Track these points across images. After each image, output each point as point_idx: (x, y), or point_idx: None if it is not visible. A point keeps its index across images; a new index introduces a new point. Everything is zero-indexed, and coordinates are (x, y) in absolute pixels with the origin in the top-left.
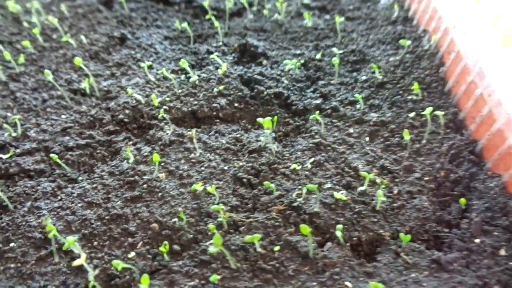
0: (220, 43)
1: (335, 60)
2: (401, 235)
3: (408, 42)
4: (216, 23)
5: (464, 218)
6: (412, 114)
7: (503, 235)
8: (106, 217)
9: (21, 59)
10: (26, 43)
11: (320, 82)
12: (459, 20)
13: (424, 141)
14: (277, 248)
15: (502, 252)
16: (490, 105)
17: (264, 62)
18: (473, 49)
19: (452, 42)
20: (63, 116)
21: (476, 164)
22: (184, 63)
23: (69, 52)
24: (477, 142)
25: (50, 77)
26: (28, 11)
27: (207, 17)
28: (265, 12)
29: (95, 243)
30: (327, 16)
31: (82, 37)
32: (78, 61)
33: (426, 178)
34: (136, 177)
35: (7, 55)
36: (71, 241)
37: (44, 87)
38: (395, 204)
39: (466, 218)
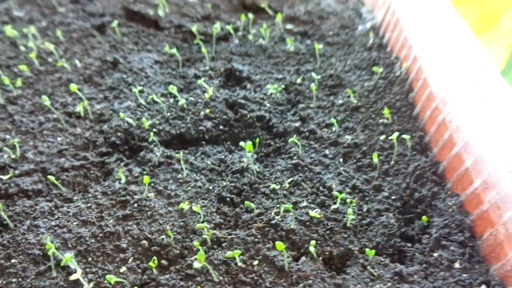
0: (207, 68)
1: (313, 86)
2: (367, 250)
3: (381, 69)
4: (203, 49)
5: (425, 233)
6: (382, 137)
7: (458, 250)
8: (100, 235)
9: (18, 82)
10: (23, 67)
11: (300, 106)
12: (426, 50)
13: (392, 162)
14: (256, 262)
15: (457, 265)
16: (451, 130)
17: (248, 86)
18: (437, 78)
19: (420, 70)
20: (59, 139)
21: (438, 184)
22: (172, 89)
23: (64, 76)
24: (440, 164)
25: (47, 102)
26: (25, 35)
27: (195, 41)
28: (250, 37)
29: (90, 258)
30: (308, 41)
31: (77, 61)
32: (73, 87)
33: (393, 197)
34: (128, 197)
35: (5, 80)
36: (68, 258)
37: (41, 110)
38: (364, 221)
39: (427, 234)
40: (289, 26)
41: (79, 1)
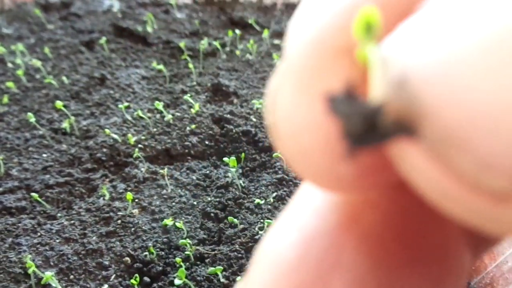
0: (194, 83)
1: None
2: None
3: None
4: (191, 64)
5: None
6: None
7: None
8: (82, 252)
9: (5, 99)
10: (10, 84)
11: None
12: None
13: None
14: (239, 278)
15: None
16: None
17: (235, 101)
18: None
19: None
20: (44, 155)
21: None
22: (158, 105)
23: (51, 92)
24: None
25: (32, 119)
26: (13, 52)
27: (183, 57)
28: (237, 52)
29: (71, 276)
30: None
31: (64, 78)
32: (59, 104)
33: None
34: (111, 213)
35: None
36: (48, 276)
37: (27, 126)
38: None
39: None
40: (276, 41)
41: (68, 18)
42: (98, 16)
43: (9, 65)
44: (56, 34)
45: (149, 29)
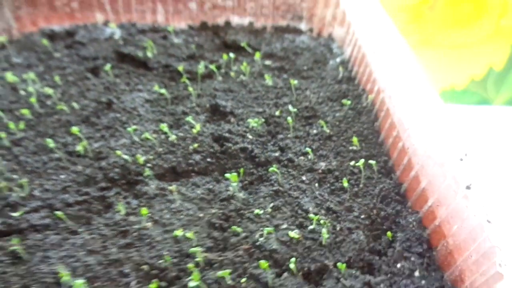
0: (194, 104)
1: (290, 119)
2: (339, 264)
3: (349, 101)
4: (190, 87)
5: (390, 247)
6: (352, 163)
7: (417, 260)
8: (105, 262)
9: (21, 125)
10: (24, 110)
11: (279, 136)
12: (387, 84)
13: (361, 185)
14: (243, 280)
15: (417, 273)
16: (409, 155)
17: (232, 120)
18: (396, 108)
19: (383, 101)
20: (62, 176)
21: (401, 203)
22: (163, 127)
23: (63, 117)
24: (402, 185)
25: (51, 144)
26: (24, 80)
27: (182, 80)
28: (232, 74)
29: (97, 284)
30: (285, 76)
31: (74, 103)
32: (75, 130)
33: (362, 216)
34: (127, 227)
35: (10, 124)
36: (79, 284)
37: (44, 150)
38: (337, 239)
39: (392, 247)
40: (267, 62)
41: (73, 46)
42: (101, 43)
43: (22, 92)
44: (63, 61)
45: (149, 54)
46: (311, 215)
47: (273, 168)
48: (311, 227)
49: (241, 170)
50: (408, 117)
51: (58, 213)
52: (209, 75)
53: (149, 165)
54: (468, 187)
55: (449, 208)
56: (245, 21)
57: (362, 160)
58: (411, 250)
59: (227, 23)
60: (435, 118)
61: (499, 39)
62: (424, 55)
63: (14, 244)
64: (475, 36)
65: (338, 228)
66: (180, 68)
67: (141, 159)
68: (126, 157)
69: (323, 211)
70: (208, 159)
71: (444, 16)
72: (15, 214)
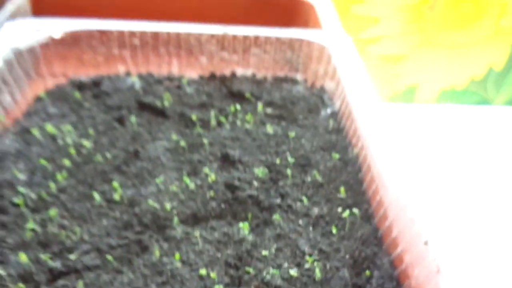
0: (207, 153)
1: (289, 170)
2: None
3: (338, 154)
4: (203, 137)
5: (369, 283)
6: (340, 209)
7: None
8: None
9: (64, 174)
10: (65, 160)
11: (280, 183)
12: (368, 141)
13: (346, 230)
14: None
15: None
16: (385, 207)
17: (240, 167)
18: (376, 165)
19: (365, 156)
20: (104, 221)
21: (378, 246)
22: (186, 180)
23: (98, 167)
24: (379, 230)
25: (96, 196)
26: (61, 131)
27: (196, 129)
28: (238, 123)
29: None
30: (284, 123)
31: (106, 153)
32: (115, 185)
33: (347, 256)
34: (162, 267)
35: (55, 173)
36: None
37: (86, 197)
38: (328, 275)
39: (370, 283)
40: (268, 110)
41: (99, 96)
42: (124, 92)
43: (60, 142)
44: (92, 111)
45: (166, 103)
46: (307, 256)
47: (276, 215)
48: (307, 266)
49: (249, 215)
50: (384, 175)
51: (105, 255)
52: (218, 123)
53: (174, 211)
54: (425, 243)
55: (412, 255)
56: (248, 72)
57: (347, 211)
58: (384, 286)
59: (233, 74)
60: (406, 181)
61: (499, 39)
62: (424, 55)
63: (76, 283)
64: (475, 36)
65: (328, 267)
66: (194, 117)
67: (168, 206)
68: (155, 205)
69: (316, 252)
70: (222, 205)
71: (444, 16)
72: (72, 257)
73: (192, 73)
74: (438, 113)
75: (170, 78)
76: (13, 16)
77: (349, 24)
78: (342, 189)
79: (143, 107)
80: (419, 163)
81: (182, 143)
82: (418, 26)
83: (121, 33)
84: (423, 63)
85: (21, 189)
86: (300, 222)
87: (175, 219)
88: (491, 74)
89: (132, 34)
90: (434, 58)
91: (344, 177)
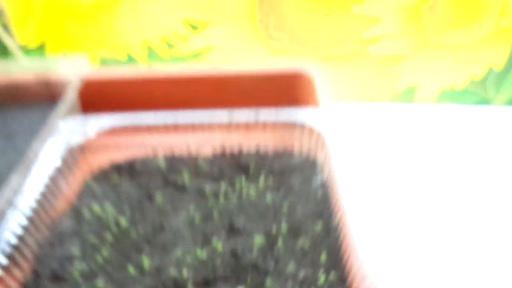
0: (218, 223)
1: (282, 238)
2: None
3: (323, 222)
4: (214, 209)
5: None
6: (321, 271)
7: None
8: None
9: (107, 246)
10: (108, 235)
11: (275, 249)
12: (346, 215)
13: None
14: None
15: None
16: (353, 272)
17: (244, 236)
18: (349, 237)
19: (343, 226)
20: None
21: None
22: (202, 254)
23: (133, 239)
24: None
25: (131, 267)
26: (104, 209)
27: (209, 202)
28: (244, 194)
29: None
30: (282, 192)
31: (139, 227)
32: (146, 261)
33: None
34: None
35: (104, 250)
36: None
37: (123, 267)
38: None
39: None
40: (269, 181)
41: (133, 177)
42: (152, 172)
43: (104, 220)
44: (128, 190)
45: (186, 179)
46: None
47: (270, 278)
48: None
49: (249, 278)
50: (355, 244)
51: None
52: (227, 196)
53: (190, 278)
54: None
55: None
56: (253, 147)
57: (325, 274)
58: None
59: (240, 151)
60: (371, 251)
61: (499, 39)
62: (424, 55)
63: None
64: (475, 36)
65: None
66: (207, 190)
67: (185, 274)
68: (175, 272)
69: None
70: (228, 271)
71: (444, 16)
72: None
73: (207, 150)
74: (438, 113)
75: (188, 157)
76: (66, 115)
77: (349, 24)
78: (323, 254)
79: (168, 184)
80: (419, 163)
81: (197, 216)
82: (418, 26)
83: (151, 127)
84: (423, 63)
85: (76, 262)
86: (289, 283)
87: (190, 285)
88: (491, 74)
89: (158, 124)
90: (434, 58)
91: (326, 243)
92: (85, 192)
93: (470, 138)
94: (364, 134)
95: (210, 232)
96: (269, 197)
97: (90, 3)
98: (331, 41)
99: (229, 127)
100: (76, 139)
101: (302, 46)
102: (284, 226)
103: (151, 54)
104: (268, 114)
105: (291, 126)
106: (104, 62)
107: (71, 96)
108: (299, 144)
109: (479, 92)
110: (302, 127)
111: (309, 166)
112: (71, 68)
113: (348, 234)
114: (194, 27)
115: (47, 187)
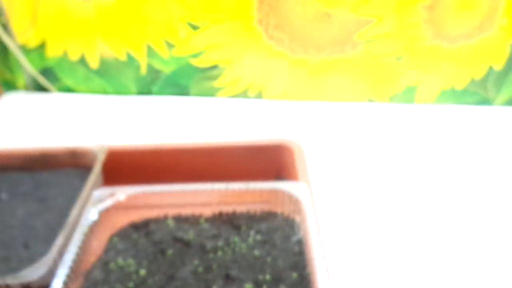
0: (215, 274)
1: (266, 285)
2: None
3: (297, 273)
4: (214, 263)
5: None
6: None
7: None
8: None
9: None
10: (130, 284)
11: None
12: (316, 264)
13: None
14: None
15: None
16: None
17: (237, 283)
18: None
19: (315, 278)
20: None
21: None
22: None
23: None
24: None
25: None
26: (127, 263)
27: (210, 256)
28: (237, 249)
29: None
30: (267, 248)
31: (155, 277)
32: None
33: None
34: None
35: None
36: None
37: None
38: None
39: None
40: (257, 238)
41: (148, 235)
42: (163, 231)
43: (126, 271)
44: (145, 246)
45: (191, 236)
46: None
47: None
48: None
49: None
50: None
51: None
52: (224, 251)
53: None
54: None
55: None
56: (244, 211)
57: None
58: None
59: (234, 212)
60: None
61: (499, 39)
62: (424, 55)
63: None
64: (475, 36)
65: None
66: (208, 246)
67: None
68: None
69: None
70: None
71: (444, 16)
72: None
73: (207, 212)
74: (438, 113)
75: (193, 218)
76: (95, 184)
77: (349, 24)
78: None
79: (176, 240)
80: (419, 163)
81: (200, 267)
82: (418, 26)
83: (162, 193)
84: (423, 63)
85: None
86: None
87: None
88: (491, 74)
89: (168, 193)
90: (434, 58)
91: None
92: (110, 248)
93: (470, 138)
94: (364, 134)
95: (211, 280)
96: (256, 252)
97: (90, 3)
98: (331, 41)
99: (225, 193)
100: (103, 206)
101: (302, 46)
102: (268, 275)
103: (151, 54)
104: (256, 184)
105: (275, 193)
106: (104, 61)
107: (98, 167)
108: (281, 208)
109: (479, 92)
110: (284, 194)
111: (289, 226)
112: (95, 142)
113: (318, 282)
114: (194, 27)
115: (82, 243)
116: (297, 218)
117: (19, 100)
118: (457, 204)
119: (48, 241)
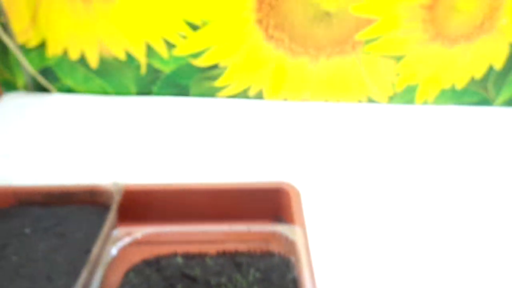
0: None
1: None
2: None
3: None
4: None
5: None
6: None
7: None
8: None
9: None
10: None
11: None
12: None
13: None
14: None
15: None
16: None
17: None
18: None
19: None
20: None
21: None
22: None
23: None
24: None
25: None
26: None
27: None
28: (238, 285)
29: None
30: (265, 283)
31: None
32: None
33: None
34: None
35: None
36: None
37: None
38: None
39: None
40: (256, 275)
41: (159, 270)
42: (173, 267)
43: None
44: (156, 281)
45: (197, 273)
46: None
47: None
48: None
49: None
50: None
51: None
52: (226, 287)
53: None
54: None
55: None
56: (245, 250)
57: None
58: None
59: (236, 251)
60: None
61: (499, 39)
62: (424, 55)
63: None
64: (475, 35)
65: None
66: (213, 282)
67: None
68: None
69: None
70: None
71: (444, 15)
72: None
73: (212, 250)
74: (438, 113)
75: (199, 256)
76: (113, 223)
77: (349, 24)
78: None
79: (184, 276)
80: (419, 163)
81: None
82: (418, 25)
83: (172, 233)
84: (423, 63)
85: None
86: None
87: None
88: (491, 74)
89: (178, 230)
90: (434, 58)
91: None
92: (125, 282)
93: (470, 139)
94: (364, 134)
95: None
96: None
97: (90, 3)
98: (331, 41)
99: (228, 234)
100: (121, 243)
101: (302, 46)
102: None
103: (151, 54)
104: (257, 227)
105: (272, 235)
106: (104, 61)
107: (115, 206)
108: (278, 249)
109: (479, 92)
110: (280, 236)
111: (284, 265)
112: (112, 181)
113: None
114: (194, 27)
115: (102, 278)
116: (292, 259)
117: (19, 100)
118: (457, 205)
119: (70, 274)
